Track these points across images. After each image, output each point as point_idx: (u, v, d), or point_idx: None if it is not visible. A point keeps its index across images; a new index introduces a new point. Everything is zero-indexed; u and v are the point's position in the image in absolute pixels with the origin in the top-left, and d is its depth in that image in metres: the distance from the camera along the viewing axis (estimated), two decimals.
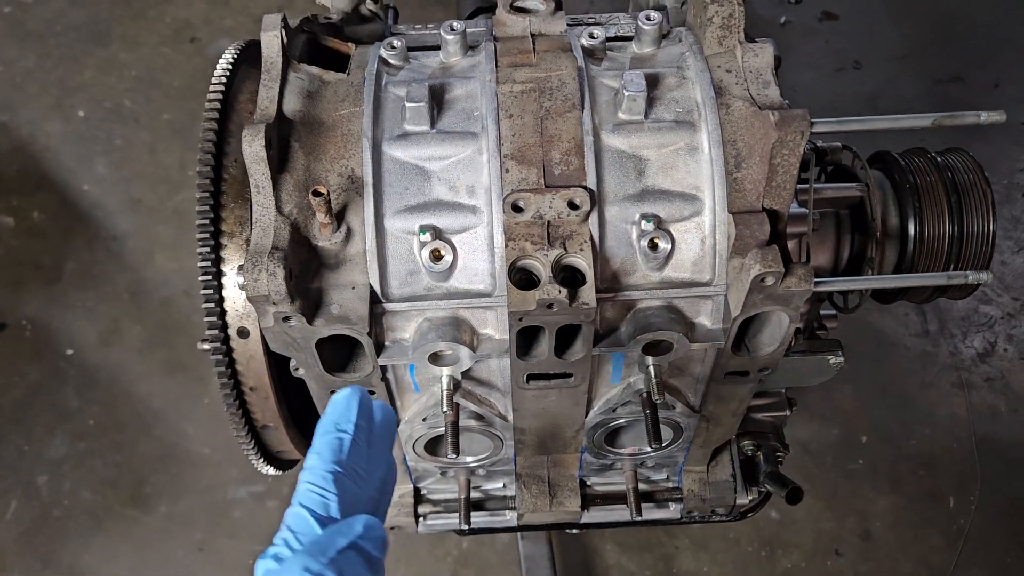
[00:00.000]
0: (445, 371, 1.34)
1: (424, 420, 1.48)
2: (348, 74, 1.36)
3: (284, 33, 1.31)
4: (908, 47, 4.22)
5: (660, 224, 1.27)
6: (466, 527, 1.67)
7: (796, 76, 4.12)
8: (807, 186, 1.44)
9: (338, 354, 1.34)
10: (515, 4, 1.48)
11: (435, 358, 1.32)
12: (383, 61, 1.38)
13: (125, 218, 3.74)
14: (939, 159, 1.55)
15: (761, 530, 3.09)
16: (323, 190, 1.17)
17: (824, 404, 3.31)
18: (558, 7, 1.48)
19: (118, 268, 3.62)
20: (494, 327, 1.32)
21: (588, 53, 1.38)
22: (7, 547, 3.08)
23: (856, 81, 4.13)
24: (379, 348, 1.31)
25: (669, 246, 1.26)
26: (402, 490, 1.76)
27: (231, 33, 4.21)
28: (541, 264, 1.22)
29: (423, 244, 1.26)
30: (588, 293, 1.21)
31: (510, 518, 1.77)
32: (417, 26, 1.59)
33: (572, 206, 1.24)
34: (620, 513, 1.76)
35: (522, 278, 1.24)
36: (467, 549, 3.01)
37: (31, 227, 3.71)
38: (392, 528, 1.77)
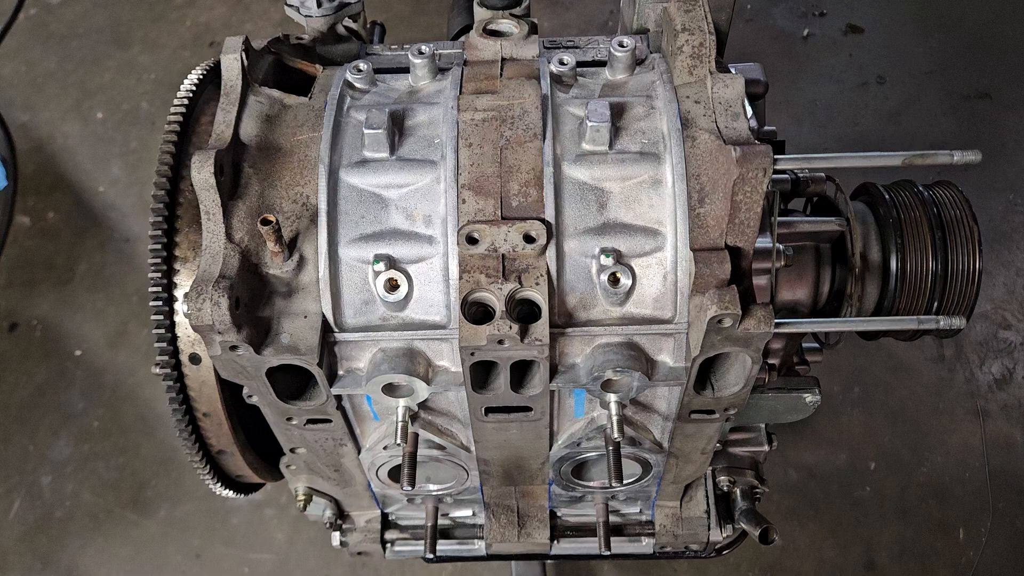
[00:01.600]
0: (401, 402, 1.32)
1: (385, 448, 1.45)
2: (310, 98, 1.34)
3: (245, 56, 1.29)
4: (935, 62, 4.13)
5: (620, 259, 1.23)
6: (431, 555, 1.65)
7: (817, 90, 4.05)
8: (784, 219, 1.40)
9: (294, 380, 1.32)
10: (488, 27, 1.45)
11: (390, 389, 1.29)
12: (348, 84, 1.36)
13: (138, 221, 3.77)
14: (925, 193, 1.50)
15: (762, 556, 3.03)
16: (272, 218, 1.15)
17: (832, 428, 3.24)
18: (532, 31, 1.45)
19: (129, 270, 3.65)
20: (450, 359, 1.29)
21: (556, 80, 1.35)
22: (8, 546, 3.12)
23: (879, 96, 4.05)
24: (332, 378, 1.29)
25: (630, 281, 1.23)
26: (369, 515, 1.74)
27: (250, 38, 4.23)
28: (495, 297, 1.19)
29: (377, 273, 1.23)
30: (541, 329, 1.18)
31: (479, 547, 1.75)
32: (393, 46, 1.57)
33: (528, 239, 1.21)
34: (591, 545, 1.72)
35: (477, 311, 1.22)
36: (462, 564, 2.98)
37: (46, 227, 3.75)
38: (359, 554, 1.75)
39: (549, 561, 2.76)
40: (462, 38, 1.88)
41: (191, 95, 1.35)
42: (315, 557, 3.07)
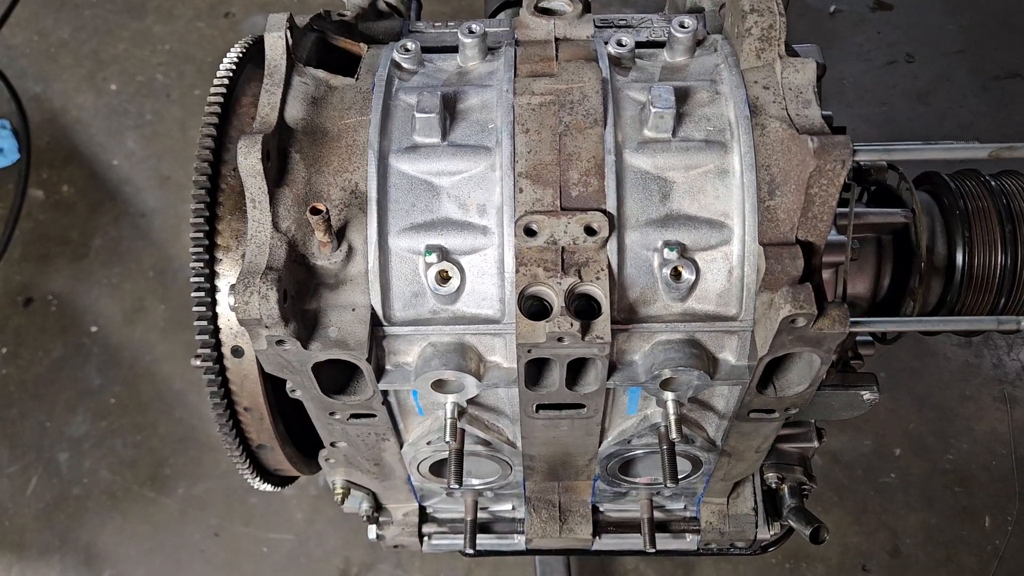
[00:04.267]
0: (450, 398, 1.27)
1: (428, 443, 1.41)
2: (357, 79, 1.28)
3: (289, 34, 1.23)
4: (965, 40, 4.03)
5: (684, 252, 1.17)
6: (471, 551, 1.61)
7: (845, 68, 3.96)
8: (846, 210, 1.34)
9: (338, 374, 1.27)
10: (540, 5, 1.38)
11: (439, 385, 1.24)
12: (395, 65, 1.29)
13: (153, 195, 3.71)
14: (993, 183, 1.43)
15: (787, 542, 3.00)
16: (322, 207, 1.10)
17: None
18: (586, 9, 1.38)
19: (145, 245, 3.60)
20: (502, 355, 1.24)
21: (615, 62, 1.28)
22: (26, 523, 3.10)
23: (908, 75, 3.96)
24: (380, 372, 1.24)
25: (693, 276, 1.17)
26: (407, 508, 1.70)
27: (265, 8, 4.15)
28: (554, 292, 1.14)
29: (429, 265, 1.18)
30: (603, 326, 1.13)
31: (518, 542, 1.71)
32: (437, 24, 1.50)
33: (589, 231, 1.15)
34: (634, 541, 1.68)
35: (533, 305, 1.16)
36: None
37: (60, 201, 3.70)
38: (396, 547, 1.71)
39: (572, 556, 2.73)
40: (501, 15, 1.82)
41: (231, 75, 1.29)
42: (334, 537, 3.05)
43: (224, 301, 1.25)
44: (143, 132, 3.85)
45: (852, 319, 1.12)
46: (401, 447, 1.44)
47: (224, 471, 3.16)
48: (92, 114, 3.90)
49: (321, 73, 1.27)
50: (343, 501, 1.60)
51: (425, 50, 1.35)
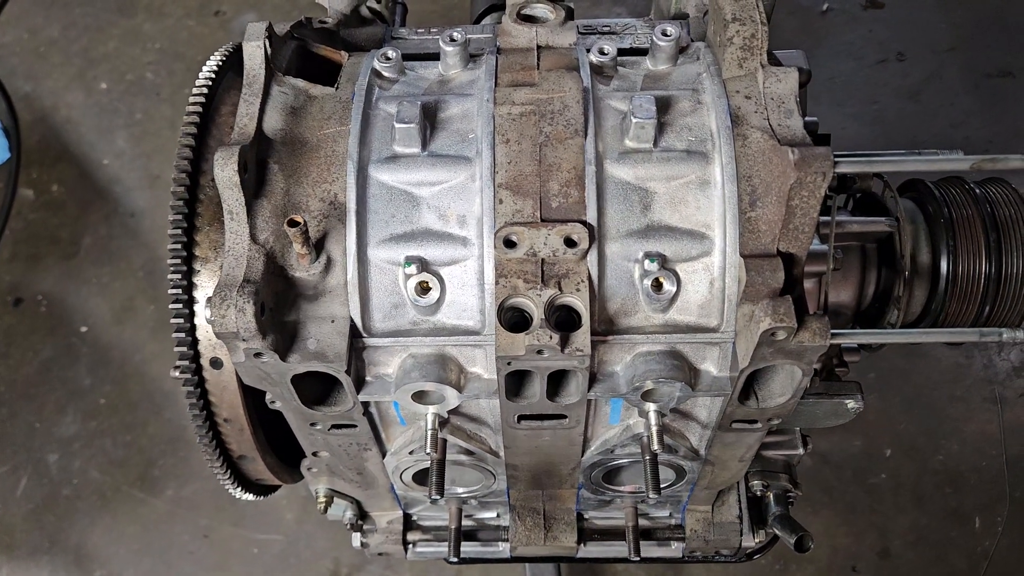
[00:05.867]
0: (430, 409, 1.26)
1: (411, 453, 1.40)
2: (337, 88, 1.27)
3: (268, 43, 1.22)
4: (956, 38, 4.02)
5: (665, 263, 1.17)
6: (455, 559, 1.60)
7: (835, 66, 3.95)
8: (828, 219, 1.33)
9: (318, 384, 1.27)
10: (522, 12, 1.37)
11: (419, 396, 1.24)
12: (376, 74, 1.28)
13: (143, 194, 3.70)
14: (978, 191, 1.43)
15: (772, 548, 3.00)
16: (299, 219, 1.09)
17: None
18: (568, 16, 1.37)
19: (134, 245, 3.58)
20: (483, 366, 1.23)
21: (596, 71, 1.28)
22: (16, 524, 3.09)
23: (899, 73, 3.95)
24: (360, 384, 1.23)
25: (674, 287, 1.17)
26: (391, 516, 1.69)
27: (256, 7, 4.13)
28: (534, 304, 1.13)
29: (408, 276, 1.17)
30: (583, 338, 1.12)
31: (503, 549, 1.70)
32: (420, 30, 1.49)
33: (569, 243, 1.14)
34: (619, 548, 1.68)
35: (513, 317, 1.16)
36: None
37: (50, 200, 3.68)
38: (380, 555, 1.71)
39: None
40: (486, 20, 1.81)
41: (210, 84, 1.27)
42: (324, 538, 3.05)
43: (201, 313, 1.24)
44: (133, 131, 3.83)
45: (833, 331, 1.12)
46: (383, 457, 1.44)
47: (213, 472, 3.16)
48: (82, 113, 3.88)
49: (300, 82, 1.26)
50: (326, 510, 1.59)
51: (408, 57, 1.34)
